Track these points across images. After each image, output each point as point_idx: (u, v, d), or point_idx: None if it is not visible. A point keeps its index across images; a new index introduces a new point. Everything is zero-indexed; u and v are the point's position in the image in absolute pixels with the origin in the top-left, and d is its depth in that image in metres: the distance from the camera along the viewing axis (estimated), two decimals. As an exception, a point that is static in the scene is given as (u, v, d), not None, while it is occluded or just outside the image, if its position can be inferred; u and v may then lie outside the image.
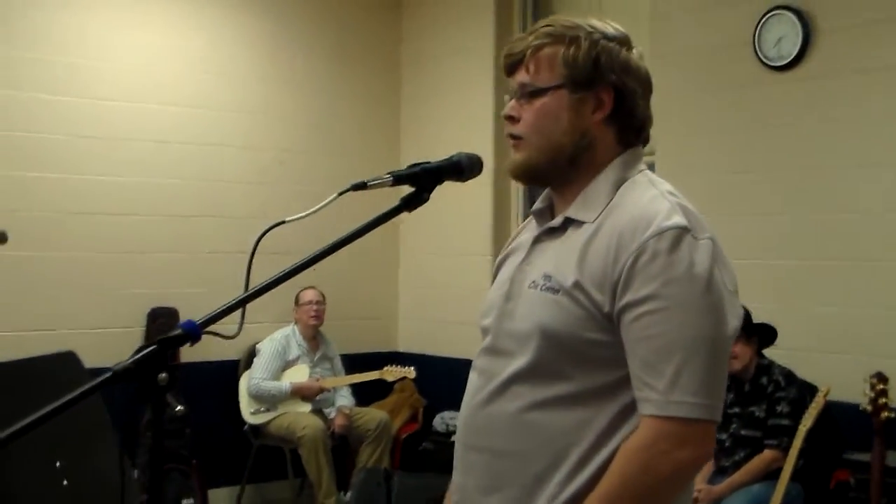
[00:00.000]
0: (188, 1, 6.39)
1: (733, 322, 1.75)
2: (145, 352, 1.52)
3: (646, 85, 1.87)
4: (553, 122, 1.83)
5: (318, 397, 6.28)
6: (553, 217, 1.91)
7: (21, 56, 5.76)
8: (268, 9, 6.71)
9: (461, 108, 6.80)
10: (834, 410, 4.47)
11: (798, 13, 5.05)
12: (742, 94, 5.33)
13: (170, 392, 1.55)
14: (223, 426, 6.29)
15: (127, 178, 6.11)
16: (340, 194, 1.74)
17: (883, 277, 4.82)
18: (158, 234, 6.23)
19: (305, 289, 6.33)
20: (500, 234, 6.59)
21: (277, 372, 6.28)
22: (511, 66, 1.88)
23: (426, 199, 1.82)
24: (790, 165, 5.15)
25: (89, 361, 2.34)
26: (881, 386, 4.16)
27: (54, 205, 5.87)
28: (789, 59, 5.08)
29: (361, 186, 1.76)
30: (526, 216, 6.75)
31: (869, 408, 4.15)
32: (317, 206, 1.73)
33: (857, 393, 4.25)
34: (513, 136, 1.88)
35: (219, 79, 6.49)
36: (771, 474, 4.39)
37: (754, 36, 5.20)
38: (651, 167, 2.08)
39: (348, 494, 5.77)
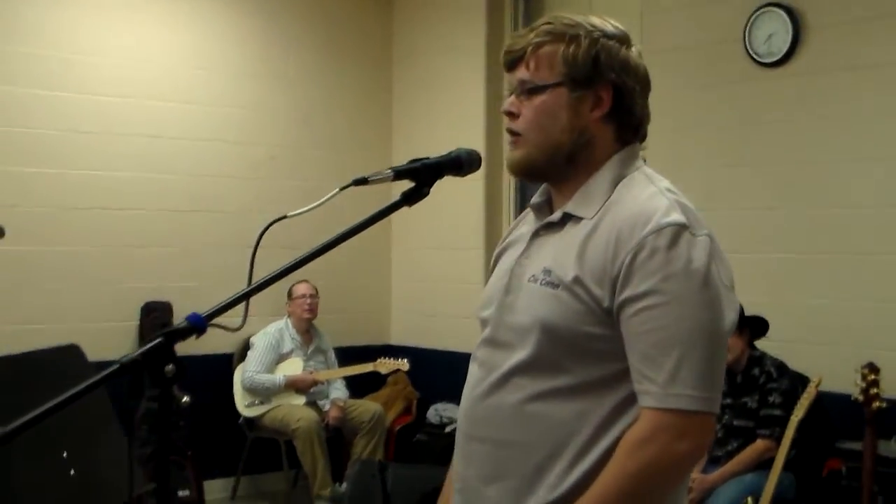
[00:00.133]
0: (181, -4, 6.41)
1: (730, 316, 1.78)
2: (152, 344, 1.54)
3: (644, 83, 1.89)
4: (552, 120, 1.84)
5: (312, 390, 6.31)
6: (552, 211, 1.92)
7: (15, 51, 5.77)
8: (261, 5, 6.72)
9: (452, 105, 6.82)
10: (825, 400, 4.51)
11: (788, 10, 5.08)
12: (732, 90, 5.36)
13: (176, 384, 1.57)
14: (218, 419, 6.31)
15: (120, 172, 6.13)
16: (342, 189, 1.75)
17: (874, 270, 4.87)
18: (152, 229, 6.25)
19: (298, 282, 6.35)
20: (493, 228, 6.61)
21: (271, 365, 6.30)
22: (511, 62, 1.89)
23: (426, 194, 1.84)
24: (781, 160, 5.19)
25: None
26: (872, 376, 4.20)
27: (51, 200, 5.89)
28: (779, 56, 5.12)
29: (363, 182, 1.78)
30: (518, 210, 6.77)
31: (860, 398, 4.18)
32: (319, 201, 1.75)
33: (848, 383, 4.28)
34: (512, 132, 1.89)
35: (211, 74, 6.51)
36: (763, 464, 4.43)
37: (745, 32, 5.23)
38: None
39: (343, 486, 5.79)
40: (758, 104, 5.26)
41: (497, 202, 6.69)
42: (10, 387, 1.93)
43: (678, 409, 1.71)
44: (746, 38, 5.23)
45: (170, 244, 6.32)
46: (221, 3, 6.56)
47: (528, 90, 1.86)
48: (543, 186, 1.97)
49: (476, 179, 6.48)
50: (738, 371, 4.62)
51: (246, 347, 6.41)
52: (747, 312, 4.54)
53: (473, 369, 1.93)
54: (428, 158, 1.85)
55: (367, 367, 6.40)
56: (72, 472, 1.91)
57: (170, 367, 1.54)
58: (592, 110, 1.85)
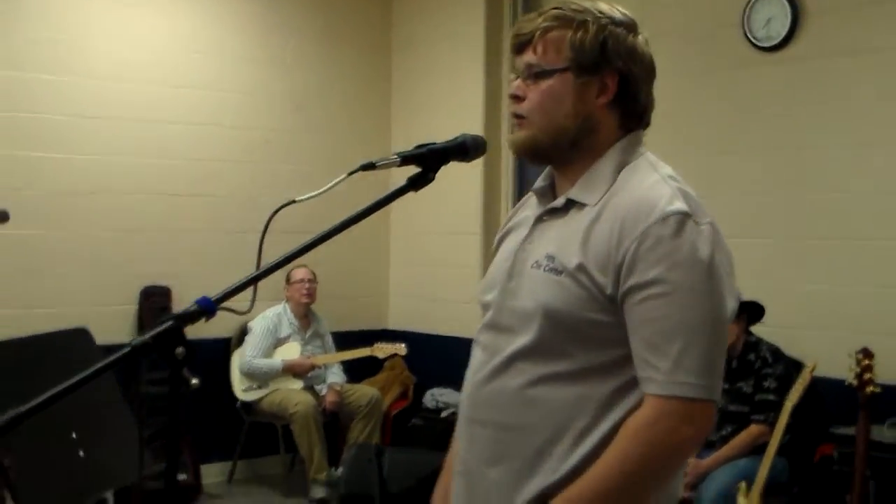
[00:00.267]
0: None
1: (731, 304, 1.80)
2: (162, 327, 1.55)
3: (650, 71, 1.90)
4: (557, 105, 1.85)
5: (309, 374, 6.33)
6: (555, 196, 1.94)
7: (22, 37, 5.78)
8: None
9: (451, 92, 6.82)
10: (820, 385, 4.52)
11: (787, -6, 5.09)
12: (731, 74, 5.37)
13: (186, 366, 1.59)
14: (215, 402, 6.33)
15: (116, 157, 6.13)
16: (350, 174, 1.76)
17: (870, 255, 4.89)
18: (150, 213, 6.25)
19: (297, 267, 6.35)
20: (491, 213, 6.63)
21: (269, 349, 6.32)
22: (519, 45, 1.90)
23: (432, 179, 1.85)
24: (779, 145, 5.20)
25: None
26: (867, 361, 4.22)
27: (54, 185, 5.90)
28: (778, 41, 5.13)
29: (370, 167, 1.79)
30: (517, 196, 6.75)
31: (854, 382, 4.20)
32: (327, 186, 1.76)
33: (842, 368, 4.30)
34: (517, 115, 1.90)
35: (209, 58, 6.50)
36: (757, 449, 4.46)
37: (743, 17, 5.24)
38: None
39: (339, 470, 5.82)
40: (756, 89, 5.27)
41: (496, 188, 6.70)
42: (20, 370, 1.95)
43: (681, 397, 1.73)
44: (745, 23, 5.24)
45: (167, 228, 6.33)
46: (222, -11, 6.57)
47: (535, 74, 1.87)
48: (546, 170, 1.98)
49: (475, 165, 6.43)
50: (733, 356, 4.65)
51: (243, 332, 6.42)
52: (743, 297, 4.57)
53: (476, 353, 1.95)
54: (433, 144, 1.85)
55: (364, 352, 6.42)
56: (81, 453, 1.93)
57: (180, 349, 1.56)
58: (598, 96, 1.87)
